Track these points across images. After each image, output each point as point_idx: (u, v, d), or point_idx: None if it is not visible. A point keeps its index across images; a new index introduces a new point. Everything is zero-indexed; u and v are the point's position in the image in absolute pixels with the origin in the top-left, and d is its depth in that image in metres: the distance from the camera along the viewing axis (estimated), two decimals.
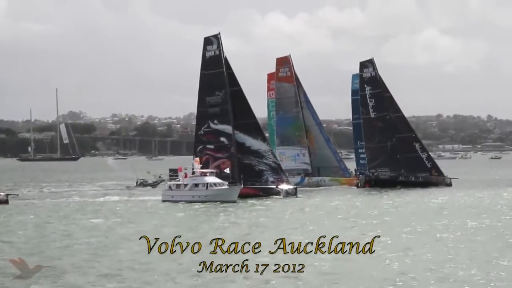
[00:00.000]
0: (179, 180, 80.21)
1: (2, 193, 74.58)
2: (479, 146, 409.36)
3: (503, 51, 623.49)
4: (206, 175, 78.35)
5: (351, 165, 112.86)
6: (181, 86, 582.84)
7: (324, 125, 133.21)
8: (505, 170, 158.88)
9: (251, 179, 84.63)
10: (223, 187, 77.37)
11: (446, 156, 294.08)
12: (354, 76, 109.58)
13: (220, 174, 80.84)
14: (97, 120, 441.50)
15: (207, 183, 77.01)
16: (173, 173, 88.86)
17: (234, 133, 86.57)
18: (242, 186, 78.82)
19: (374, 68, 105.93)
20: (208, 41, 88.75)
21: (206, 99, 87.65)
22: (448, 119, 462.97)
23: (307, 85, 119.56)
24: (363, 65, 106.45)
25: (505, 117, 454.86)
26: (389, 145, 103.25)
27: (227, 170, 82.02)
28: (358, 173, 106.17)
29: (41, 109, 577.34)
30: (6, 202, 72.25)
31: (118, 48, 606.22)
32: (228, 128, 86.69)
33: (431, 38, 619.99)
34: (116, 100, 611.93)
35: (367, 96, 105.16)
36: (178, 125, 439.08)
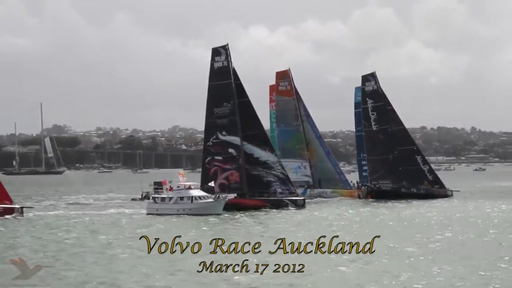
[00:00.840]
0: (163, 193, 79.21)
1: (17, 205, 73.76)
2: (463, 158, 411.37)
3: (486, 63, 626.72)
4: (191, 188, 77.54)
5: None
6: (165, 99, 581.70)
7: None
8: (489, 182, 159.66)
9: (260, 191, 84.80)
10: (208, 200, 76.56)
11: None
12: (357, 89, 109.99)
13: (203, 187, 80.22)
14: (81, 133, 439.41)
15: (192, 196, 76.24)
16: (158, 186, 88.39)
17: (243, 144, 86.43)
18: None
19: (376, 82, 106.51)
20: (216, 52, 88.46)
21: (214, 110, 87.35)
22: (432, 131, 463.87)
23: None
24: (365, 78, 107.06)
25: (488, 129, 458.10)
26: (391, 157, 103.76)
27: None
28: (360, 185, 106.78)
29: (26, 122, 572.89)
30: (21, 213, 71.61)
31: (101, 61, 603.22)
32: (236, 139, 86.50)
33: (414, 51, 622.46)
34: (101, 114, 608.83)
35: (369, 109, 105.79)
36: (163, 138, 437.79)
